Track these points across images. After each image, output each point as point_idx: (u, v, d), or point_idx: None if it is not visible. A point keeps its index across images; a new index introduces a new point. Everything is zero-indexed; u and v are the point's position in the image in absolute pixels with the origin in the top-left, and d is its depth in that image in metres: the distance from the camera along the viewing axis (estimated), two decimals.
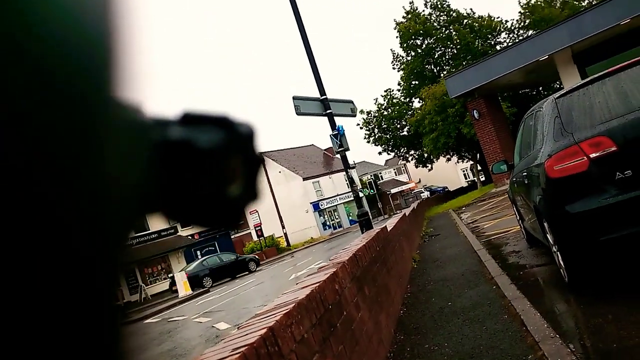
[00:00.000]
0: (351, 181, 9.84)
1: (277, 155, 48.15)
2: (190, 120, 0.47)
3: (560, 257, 3.89)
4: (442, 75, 32.76)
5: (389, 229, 6.18)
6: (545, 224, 4.03)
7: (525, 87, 26.85)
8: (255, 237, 39.25)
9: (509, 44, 33.49)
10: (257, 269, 25.00)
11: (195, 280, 21.81)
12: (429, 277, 6.06)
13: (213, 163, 0.46)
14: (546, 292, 4.33)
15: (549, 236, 4.08)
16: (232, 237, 38.81)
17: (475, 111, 20.31)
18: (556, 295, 4.11)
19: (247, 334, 1.86)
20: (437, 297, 4.84)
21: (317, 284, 2.63)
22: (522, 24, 35.53)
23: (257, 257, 26.79)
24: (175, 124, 0.46)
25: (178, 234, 35.95)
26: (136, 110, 0.43)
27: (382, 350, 3.51)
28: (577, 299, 3.73)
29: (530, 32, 33.15)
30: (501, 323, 3.45)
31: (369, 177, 50.84)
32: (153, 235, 33.76)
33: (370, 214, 10.19)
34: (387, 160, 64.37)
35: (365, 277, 3.80)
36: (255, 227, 40.74)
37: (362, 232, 8.45)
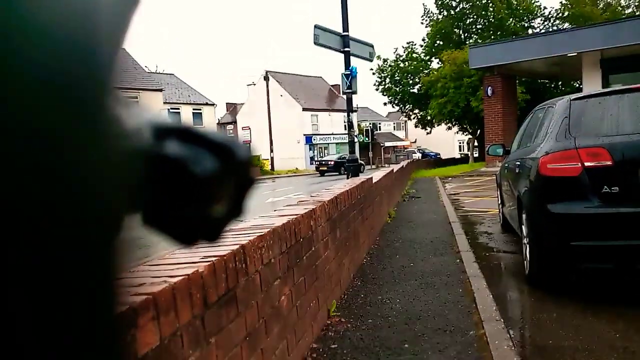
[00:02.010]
0: (350, 125, 9.82)
1: (282, 78, 47.32)
2: (190, 137, 0.45)
3: (527, 249, 4.04)
4: (468, 42, 31.99)
5: (373, 181, 6.26)
6: (524, 215, 4.14)
7: (544, 77, 26.45)
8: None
9: (542, 31, 32.64)
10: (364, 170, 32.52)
11: (337, 166, 30.49)
12: (399, 235, 6.22)
13: (204, 187, 0.45)
14: (504, 278, 4.51)
15: (523, 227, 4.21)
16: None
17: (489, 88, 20.06)
18: (513, 283, 4.29)
19: (218, 245, 1.93)
20: (402, 256, 5.01)
21: (295, 216, 2.71)
22: (560, 14, 34.50)
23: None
24: (175, 134, 0.45)
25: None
26: (139, 111, 0.42)
27: (338, 291, 3.67)
28: (530, 292, 3.90)
29: (566, 24, 32.27)
30: (454, 295, 3.62)
31: (367, 125, 50.61)
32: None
33: (359, 161, 10.25)
34: (389, 113, 63.86)
35: (340, 221, 3.90)
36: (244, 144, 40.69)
37: (348, 178, 8.54)
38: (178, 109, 39.86)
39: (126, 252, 0.32)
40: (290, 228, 2.58)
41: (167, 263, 1.67)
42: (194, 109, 41.69)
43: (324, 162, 33.44)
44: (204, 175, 0.44)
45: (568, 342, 2.89)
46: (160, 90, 36.93)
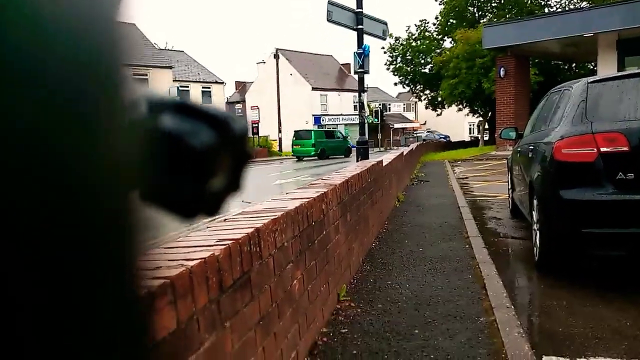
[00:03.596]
0: (361, 106, 9.76)
1: (291, 56, 46.85)
2: (186, 110, 0.45)
3: (537, 236, 4.02)
4: (482, 21, 31.44)
5: (384, 164, 6.24)
6: (535, 201, 4.11)
7: (559, 58, 26.01)
8: (250, 134, 39.21)
9: (558, 10, 31.97)
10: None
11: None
12: (408, 219, 6.22)
13: (202, 160, 0.45)
14: (514, 264, 4.50)
15: (534, 213, 4.18)
16: None
17: (502, 68, 19.79)
18: (522, 270, 4.29)
19: (234, 228, 1.94)
20: (411, 241, 5.01)
21: (307, 200, 2.71)
22: None
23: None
24: (171, 108, 0.45)
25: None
26: (132, 88, 0.42)
27: (347, 275, 3.68)
28: (540, 279, 3.90)
29: (584, 3, 31.57)
30: (464, 281, 3.62)
31: (377, 106, 50.24)
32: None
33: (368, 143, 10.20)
34: (399, 94, 63.31)
35: (351, 205, 3.90)
36: (252, 124, 40.66)
37: (357, 160, 8.52)
38: (187, 86, 39.77)
39: (139, 241, 0.31)
40: (303, 211, 2.58)
41: (182, 246, 1.68)
42: (203, 87, 41.60)
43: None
44: (202, 148, 0.44)
45: (578, 329, 2.89)
46: (170, 67, 36.80)
